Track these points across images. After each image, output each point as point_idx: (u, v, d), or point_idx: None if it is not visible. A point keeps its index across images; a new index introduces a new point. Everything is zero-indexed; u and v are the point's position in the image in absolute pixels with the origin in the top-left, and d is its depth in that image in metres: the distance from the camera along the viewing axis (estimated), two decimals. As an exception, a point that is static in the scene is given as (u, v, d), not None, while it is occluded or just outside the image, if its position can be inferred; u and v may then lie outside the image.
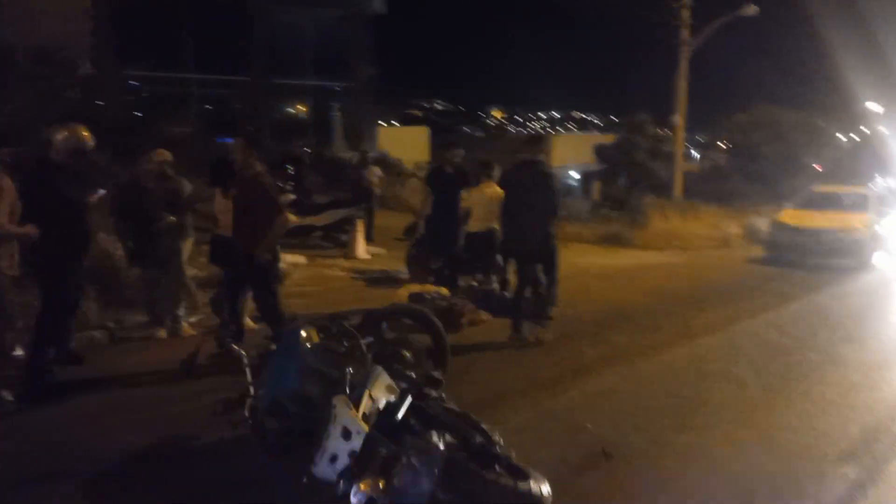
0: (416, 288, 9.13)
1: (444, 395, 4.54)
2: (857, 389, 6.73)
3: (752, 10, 23.49)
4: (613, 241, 17.96)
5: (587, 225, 18.96)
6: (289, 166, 15.06)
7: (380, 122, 36.84)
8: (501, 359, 7.54)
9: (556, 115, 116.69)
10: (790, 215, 15.60)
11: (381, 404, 3.86)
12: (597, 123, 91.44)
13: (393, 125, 40.87)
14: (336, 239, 14.59)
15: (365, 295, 10.70)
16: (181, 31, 23.97)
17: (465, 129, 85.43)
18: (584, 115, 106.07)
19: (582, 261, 14.48)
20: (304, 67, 27.43)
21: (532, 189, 7.88)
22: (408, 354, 5.40)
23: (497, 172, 9.42)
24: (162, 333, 7.95)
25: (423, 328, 5.96)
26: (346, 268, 12.88)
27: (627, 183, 22.35)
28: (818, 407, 6.22)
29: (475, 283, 9.18)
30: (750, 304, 10.73)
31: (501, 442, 4.13)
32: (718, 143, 34.51)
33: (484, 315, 9.08)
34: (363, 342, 4.83)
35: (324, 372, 4.39)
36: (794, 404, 6.29)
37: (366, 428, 3.54)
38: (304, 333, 4.68)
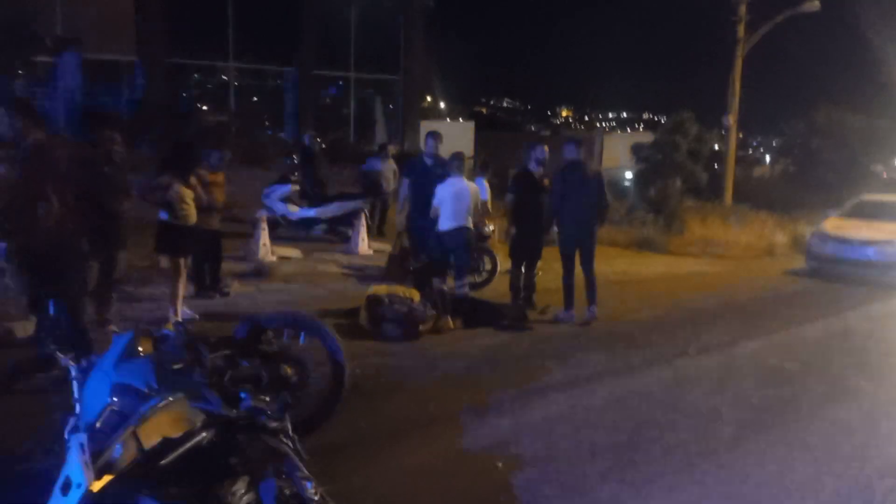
0: (382, 289, 8.35)
1: (286, 427, 3.72)
2: (851, 432, 5.67)
3: (813, 5, 22.02)
4: (646, 246, 16.77)
5: (621, 228, 17.81)
6: (294, 156, 14.43)
7: (446, 118, 36.02)
8: (443, 376, 6.67)
9: (626, 115, 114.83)
10: (834, 224, 14.27)
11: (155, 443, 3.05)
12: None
13: (462, 122, 39.79)
14: (341, 233, 13.87)
15: (350, 294, 9.92)
16: (224, 20, 23.63)
17: (531, 127, 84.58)
18: (653, 116, 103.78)
19: (604, 267, 13.36)
20: (349, 59, 26.85)
21: (578, 187, 8.76)
22: (289, 371, 4.61)
23: (465, 165, 8.54)
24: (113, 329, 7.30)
25: (320, 341, 5.14)
26: (342, 263, 12.14)
27: (680, 186, 21.10)
28: (796, 452, 5.19)
29: (445, 287, 8.32)
30: (768, 321, 9.63)
31: (316, 496, 3.29)
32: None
33: (452, 322, 8.24)
34: (214, 356, 4.05)
35: (139, 392, 3.62)
36: (769, 448, 5.27)
37: (93, 482, 2.73)
38: (135, 343, 3.91)
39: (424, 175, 8.74)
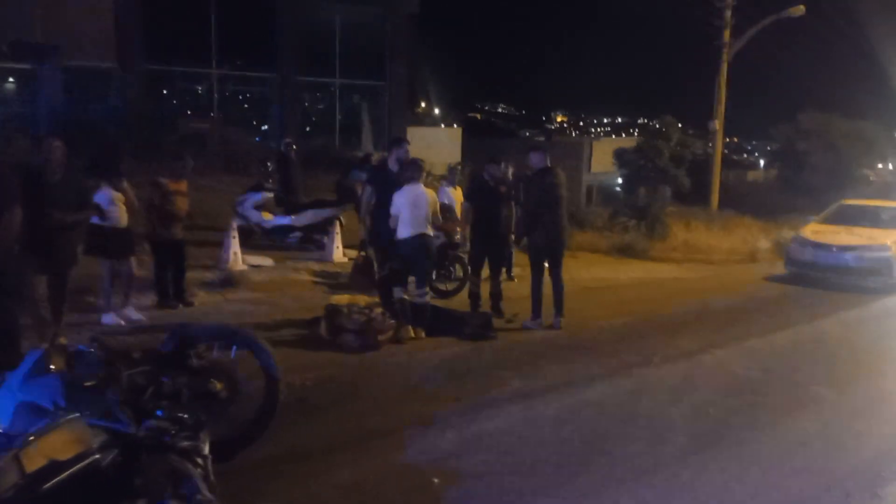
0: (343, 299, 8.24)
1: (199, 446, 3.60)
2: (805, 448, 5.50)
3: (798, 10, 21.95)
4: (628, 252, 16.62)
5: (603, 234, 17.71)
6: (269, 163, 14.29)
7: (441, 124, 35.89)
8: (396, 388, 6.55)
9: (620, 120, 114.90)
10: (813, 229, 14.17)
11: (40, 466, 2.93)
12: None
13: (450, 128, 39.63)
14: (317, 241, 13.72)
15: (317, 303, 9.74)
16: (206, 25, 23.46)
17: (525, 132, 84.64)
18: (648, 121, 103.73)
19: (581, 273, 13.30)
20: (333, 65, 26.70)
21: (546, 195, 8.84)
22: (219, 386, 4.48)
23: (422, 172, 8.41)
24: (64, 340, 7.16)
25: (253, 354, 5.00)
26: (314, 272, 11.99)
27: (668, 192, 21.03)
28: (741, 470, 4.99)
29: (405, 296, 8.19)
30: (739, 328, 9.51)
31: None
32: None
33: (414, 332, 8.11)
34: (134, 371, 3.92)
35: (44, 411, 3.50)
36: (718, 462, 5.12)
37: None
38: (46, 360, 3.79)
39: (391, 183, 8.57)
